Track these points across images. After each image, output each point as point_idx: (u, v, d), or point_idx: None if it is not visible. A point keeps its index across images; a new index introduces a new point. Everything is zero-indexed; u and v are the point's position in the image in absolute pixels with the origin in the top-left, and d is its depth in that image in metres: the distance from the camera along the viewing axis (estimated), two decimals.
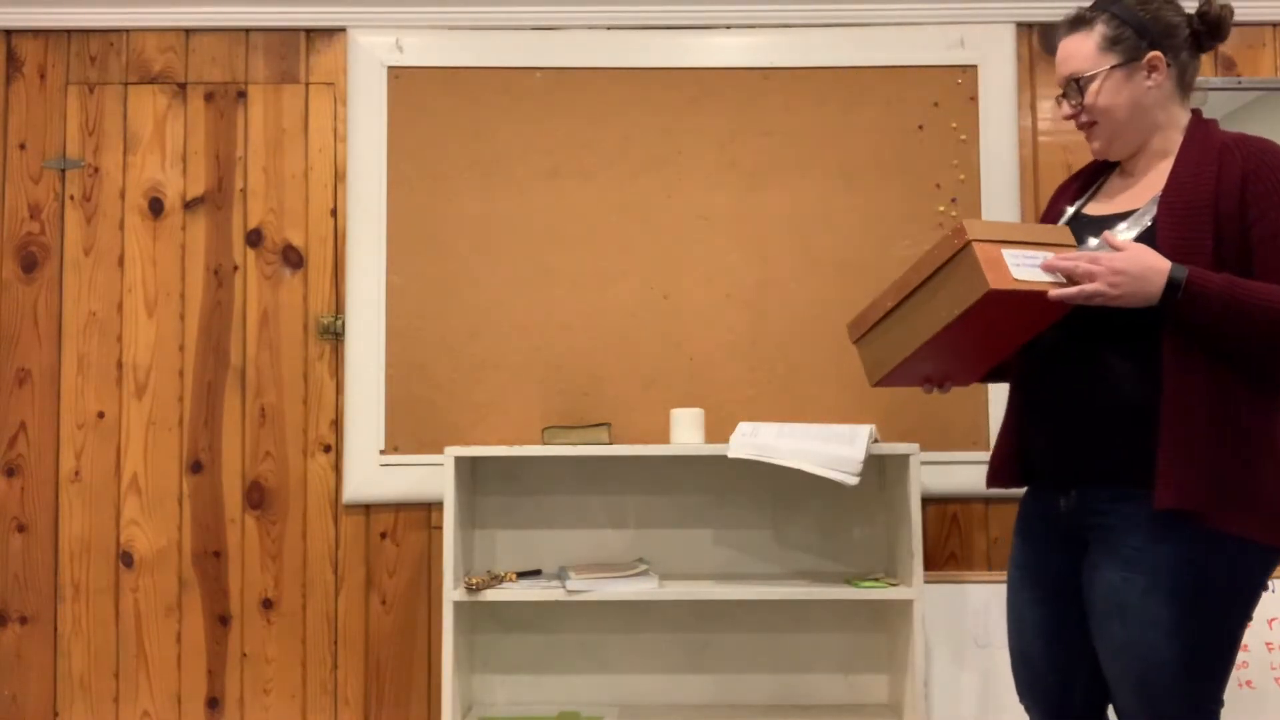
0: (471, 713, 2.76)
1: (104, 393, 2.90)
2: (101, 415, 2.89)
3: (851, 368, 2.86)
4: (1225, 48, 2.91)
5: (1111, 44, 1.83)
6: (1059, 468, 1.85)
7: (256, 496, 2.89)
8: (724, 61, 2.93)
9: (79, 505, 2.88)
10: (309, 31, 2.98)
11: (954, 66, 2.93)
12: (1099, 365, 1.78)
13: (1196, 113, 1.88)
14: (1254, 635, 2.64)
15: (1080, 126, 1.90)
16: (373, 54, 2.93)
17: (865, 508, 2.84)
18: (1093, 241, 1.82)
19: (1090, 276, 1.68)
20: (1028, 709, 1.98)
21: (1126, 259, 1.68)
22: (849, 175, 2.92)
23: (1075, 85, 1.85)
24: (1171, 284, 1.66)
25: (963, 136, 2.92)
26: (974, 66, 2.93)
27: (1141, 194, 1.84)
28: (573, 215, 2.92)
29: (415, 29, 2.94)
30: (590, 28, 2.95)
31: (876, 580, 2.66)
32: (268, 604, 2.88)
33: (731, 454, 2.58)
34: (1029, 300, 1.69)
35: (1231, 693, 1.88)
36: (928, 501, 2.85)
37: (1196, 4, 1.88)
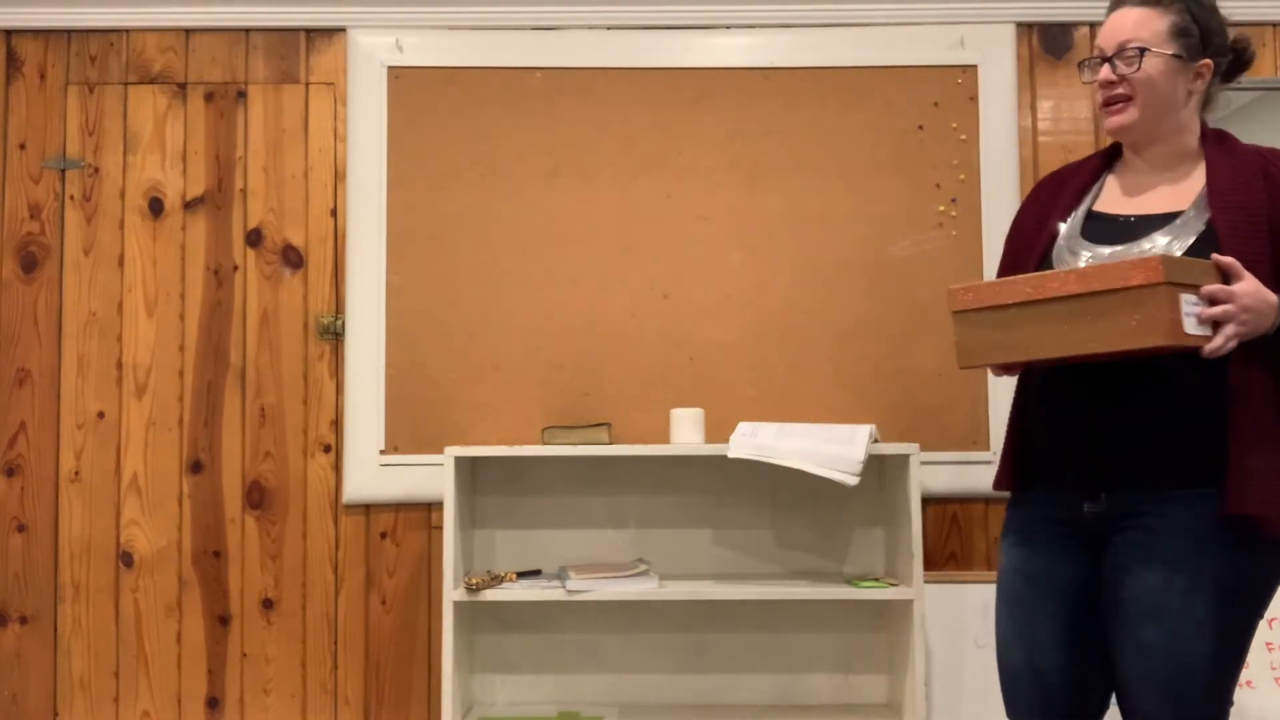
0: (471, 713, 2.76)
1: (104, 393, 2.90)
2: (101, 415, 2.89)
3: (851, 368, 2.86)
4: None
5: (1181, 35, 1.83)
6: (1091, 470, 1.80)
7: (256, 496, 2.89)
8: (724, 61, 2.93)
9: (79, 505, 2.88)
10: (309, 31, 2.98)
11: (954, 66, 2.93)
12: (1143, 365, 1.74)
13: (1201, 119, 1.89)
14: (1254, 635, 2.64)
15: (1111, 98, 1.85)
16: (373, 54, 2.93)
17: (865, 508, 2.84)
18: (1105, 251, 1.80)
19: (1230, 319, 1.64)
20: None
21: (1251, 297, 1.65)
22: (849, 175, 2.92)
23: (1136, 53, 1.81)
24: None
25: (963, 136, 2.92)
26: (974, 66, 2.93)
27: (1177, 196, 1.83)
28: (573, 215, 2.92)
29: (415, 29, 2.94)
30: (590, 28, 2.95)
31: (876, 580, 2.66)
32: (268, 604, 2.88)
33: (731, 454, 2.58)
34: (1179, 346, 1.64)
35: None
36: (928, 501, 2.85)
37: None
